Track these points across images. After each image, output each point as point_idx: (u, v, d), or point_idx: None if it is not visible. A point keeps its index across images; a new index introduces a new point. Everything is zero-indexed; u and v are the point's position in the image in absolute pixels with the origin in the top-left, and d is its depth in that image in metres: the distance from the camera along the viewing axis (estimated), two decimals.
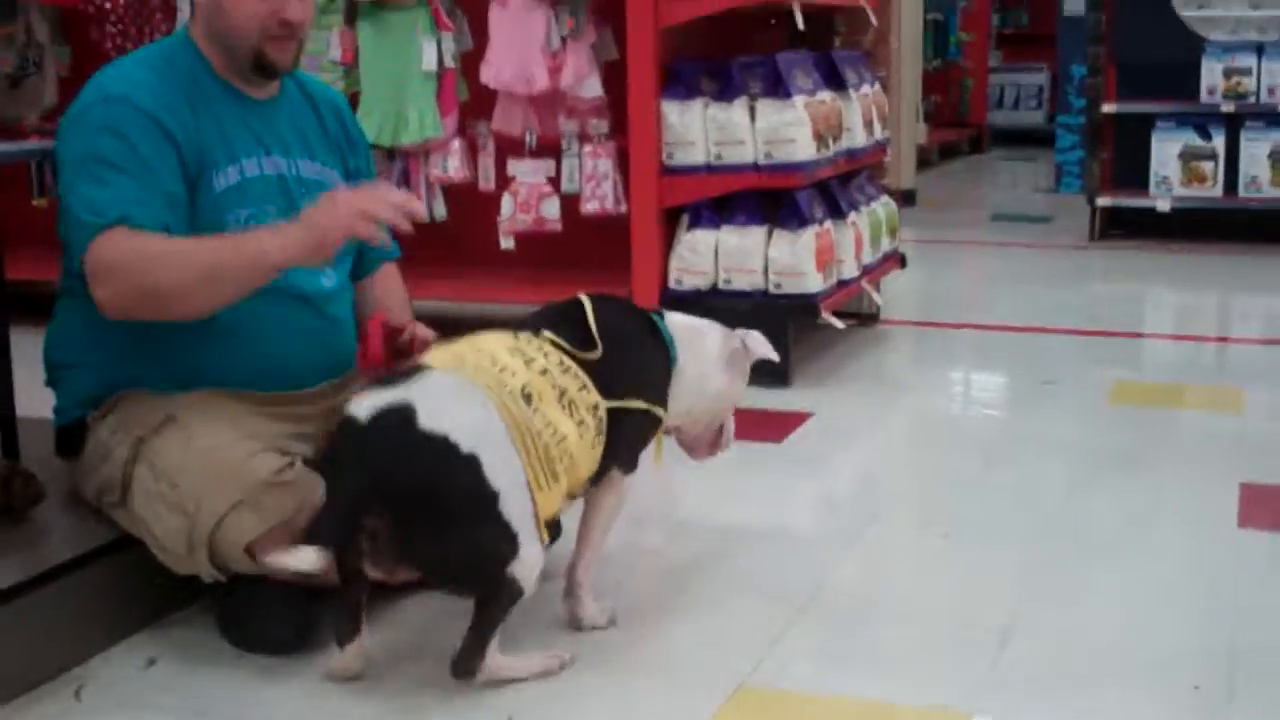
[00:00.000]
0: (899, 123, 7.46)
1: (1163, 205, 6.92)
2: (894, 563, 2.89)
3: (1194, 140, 6.90)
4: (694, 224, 4.30)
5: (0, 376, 2.73)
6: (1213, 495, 3.19)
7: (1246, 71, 6.81)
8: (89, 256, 2.31)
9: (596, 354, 2.35)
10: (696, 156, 4.23)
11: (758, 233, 4.25)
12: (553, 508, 2.26)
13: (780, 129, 4.16)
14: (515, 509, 2.15)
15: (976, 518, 3.10)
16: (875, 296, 4.88)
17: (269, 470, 2.29)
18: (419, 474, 2.11)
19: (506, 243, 4.49)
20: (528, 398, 2.22)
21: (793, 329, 4.24)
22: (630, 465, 2.46)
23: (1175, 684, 2.26)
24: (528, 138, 4.52)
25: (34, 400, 2.71)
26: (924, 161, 9.88)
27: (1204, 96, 6.87)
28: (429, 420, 2.11)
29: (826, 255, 4.30)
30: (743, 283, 4.24)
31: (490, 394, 2.19)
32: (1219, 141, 6.86)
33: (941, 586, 2.71)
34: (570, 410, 2.28)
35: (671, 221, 4.33)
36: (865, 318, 5.02)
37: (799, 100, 4.17)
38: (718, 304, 4.23)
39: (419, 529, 2.12)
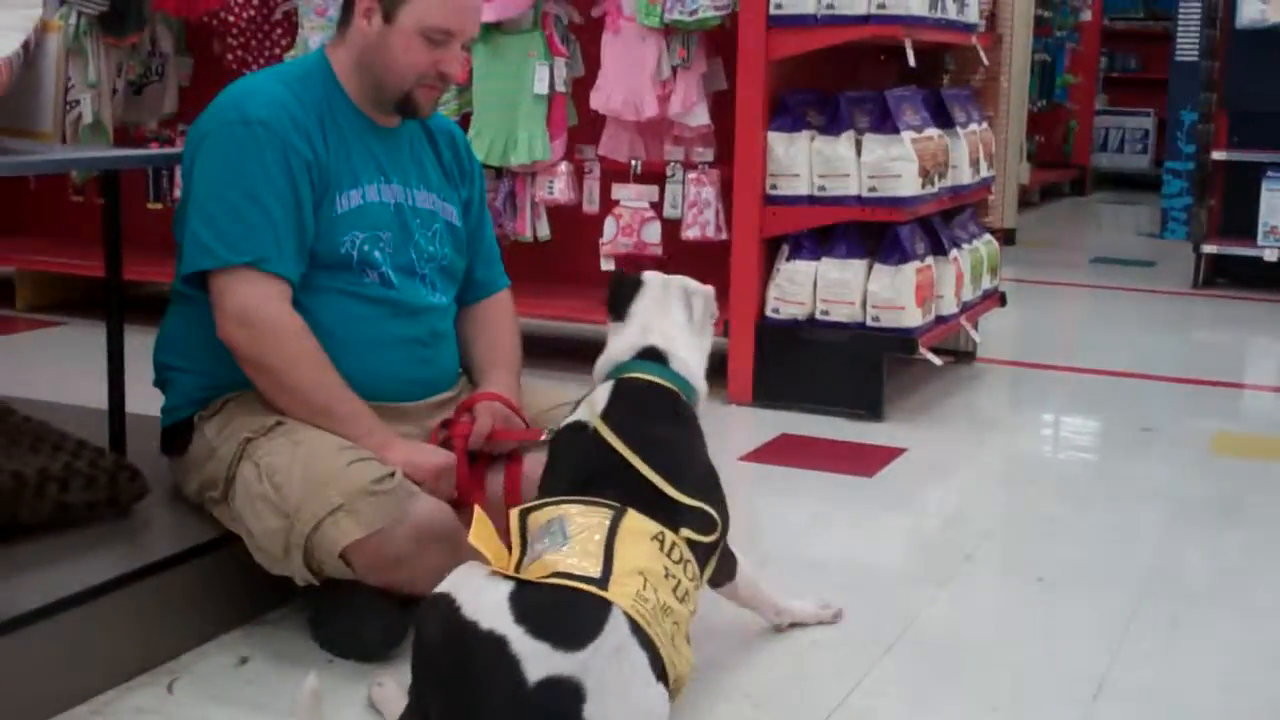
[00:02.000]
0: (1003, 162, 7.41)
1: (1270, 255, 6.80)
2: (986, 605, 2.85)
3: None
4: (794, 254, 4.29)
5: (113, 374, 2.79)
6: None
7: None
8: (232, 287, 2.40)
9: (717, 534, 2.29)
10: (800, 188, 4.23)
11: (858, 265, 4.23)
12: None
13: (886, 164, 4.14)
14: None
15: (1072, 563, 3.05)
16: (974, 334, 4.84)
17: (369, 478, 2.31)
18: None
19: (607, 265, 4.52)
20: (672, 638, 2.12)
21: (888, 363, 4.22)
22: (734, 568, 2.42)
23: None
24: (633, 164, 4.55)
25: (141, 398, 2.77)
26: (1026, 201, 9.79)
27: None
28: (594, 711, 1.95)
29: (926, 291, 4.27)
30: (840, 314, 4.23)
31: (660, 645, 2.06)
32: None
33: (1035, 632, 2.67)
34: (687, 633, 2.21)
35: (771, 250, 4.33)
36: (962, 355, 4.98)
37: (906, 136, 4.16)
38: (814, 335, 4.24)
39: None
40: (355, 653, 2.38)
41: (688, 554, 2.19)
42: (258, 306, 2.39)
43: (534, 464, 2.50)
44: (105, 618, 2.27)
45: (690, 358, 2.42)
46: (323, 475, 2.31)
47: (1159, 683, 2.44)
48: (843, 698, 2.31)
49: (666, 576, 2.13)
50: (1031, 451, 4.17)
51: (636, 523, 2.16)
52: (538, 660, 1.95)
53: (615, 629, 2.00)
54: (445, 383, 2.67)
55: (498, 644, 1.96)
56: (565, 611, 2.01)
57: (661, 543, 2.16)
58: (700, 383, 2.44)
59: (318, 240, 2.47)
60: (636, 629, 2.02)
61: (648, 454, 2.23)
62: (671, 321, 2.43)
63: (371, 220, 2.53)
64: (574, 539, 2.11)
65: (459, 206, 2.71)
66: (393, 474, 2.34)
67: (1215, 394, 4.90)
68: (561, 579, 2.04)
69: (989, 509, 3.61)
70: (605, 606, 2.01)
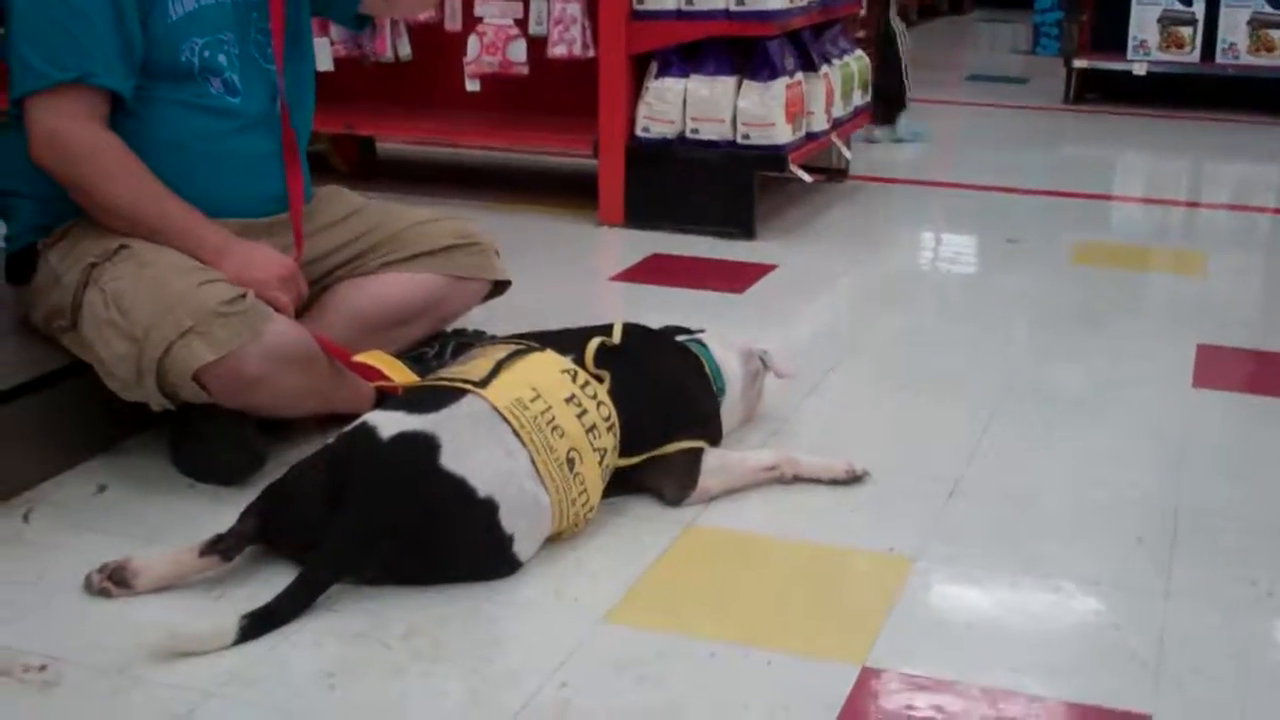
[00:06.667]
0: None
1: (1139, 69, 6.87)
2: (850, 412, 2.89)
3: (1174, 5, 6.83)
4: (662, 71, 4.22)
5: None
6: (1170, 355, 3.21)
7: None
8: (39, 112, 2.32)
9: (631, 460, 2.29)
10: (667, 2, 4.15)
11: (727, 82, 4.18)
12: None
13: None
14: (528, 547, 2.10)
15: (934, 371, 3.10)
16: (845, 151, 4.84)
17: (220, 299, 2.26)
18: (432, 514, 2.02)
19: (472, 85, 4.41)
20: (570, 463, 2.13)
21: (761, 182, 4.21)
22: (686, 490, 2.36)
23: (1120, 536, 2.28)
24: None
25: None
26: (903, 20, 9.73)
27: None
28: (452, 461, 2.02)
29: (796, 107, 4.25)
30: (710, 132, 4.19)
31: (534, 452, 2.09)
32: (1199, 7, 6.79)
33: (894, 437, 2.72)
34: (604, 473, 2.23)
35: (640, 68, 4.26)
36: (834, 172, 4.98)
37: None
38: (685, 153, 4.20)
39: (423, 565, 2.04)
40: (215, 477, 2.36)
41: (604, 397, 2.23)
42: (65, 128, 2.31)
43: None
44: None
45: (728, 361, 2.59)
46: (172, 298, 2.26)
47: (1012, 482, 2.50)
48: (705, 506, 2.35)
49: (570, 401, 2.18)
50: (900, 265, 4.21)
51: (548, 356, 2.24)
52: (391, 423, 2.07)
53: (472, 403, 2.11)
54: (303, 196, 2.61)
55: (362, 425, 2.10)
56: (429, 395, 2.14)
57: (573, 376, 2.22)
58: (731, 383, 2.57)
59: (154, 50, 2.37)
60: (506, 423, 2.10)
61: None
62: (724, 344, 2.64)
63: (209, 23, 2.43)
64: (475, 361, 2.23)
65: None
66: (244, 295, 2.29)
67: (1080, 206, 4.96)
68: (442, 382, 2.18)
69: (856, 322, 3.65)
70: (467, 392, 2.12)
